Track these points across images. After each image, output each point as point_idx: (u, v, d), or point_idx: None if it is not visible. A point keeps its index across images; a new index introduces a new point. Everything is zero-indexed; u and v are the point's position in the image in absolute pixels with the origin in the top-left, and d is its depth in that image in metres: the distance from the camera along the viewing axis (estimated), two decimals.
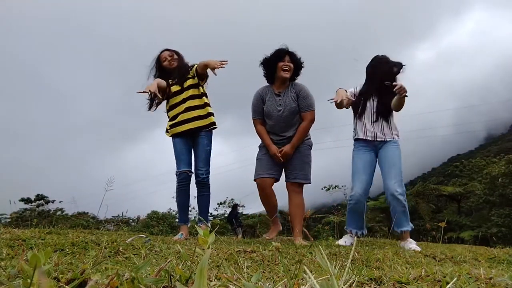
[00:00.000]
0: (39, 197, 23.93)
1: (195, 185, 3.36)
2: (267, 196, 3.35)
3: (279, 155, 3.23)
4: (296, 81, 3.36)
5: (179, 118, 3.32)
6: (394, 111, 3.25)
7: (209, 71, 3.19)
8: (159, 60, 3.43)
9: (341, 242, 3.10)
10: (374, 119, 3.24)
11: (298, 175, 3.29)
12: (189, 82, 3.37)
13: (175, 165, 3.31)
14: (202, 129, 3.33)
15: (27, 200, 23.22)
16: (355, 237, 3.26)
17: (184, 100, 3.34)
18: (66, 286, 0.69)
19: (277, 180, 3.39)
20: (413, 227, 3.12)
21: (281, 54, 3.24)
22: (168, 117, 3.44)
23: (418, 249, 2.83)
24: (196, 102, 3.35)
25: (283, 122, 3.28)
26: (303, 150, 3.32)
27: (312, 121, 3.29)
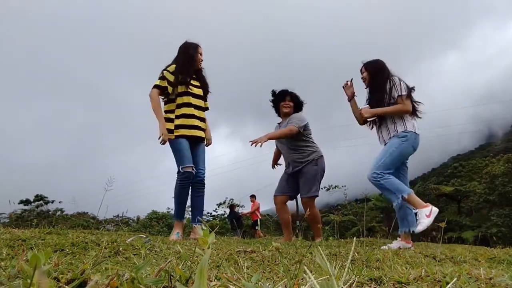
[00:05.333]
0: (38, 197, 23.91)
1: (193, 185, 3.35)
2: (277, 211, 4.06)
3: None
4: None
5: (192, 122, 3.33)
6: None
7: None
8: (194, 52, 3.42)
9: (384, 247, 3.02)
10: (378, 124, 3.32)
11: (303, 190, 3.91)
12: (200, 93, 3.45)
13: (179, 161, 3.24)
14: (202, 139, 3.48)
15: (26, 202, 23.19)
16: (402, 239, 3.18)
17: (196, 107, 3.39)
18: (66, 286, 0.69)
19: (291, 198, 4.07)
20: (404, 196, 2.97)
21: (283, 95, 4.05)
22: (172, 113, 3.34)
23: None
24: (204, 114, 3.48)
25: (286, 144, 3.97)
26: (306, 169, 3.90)
27: (290, 129, 3.81)
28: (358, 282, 0.88)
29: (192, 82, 3.40)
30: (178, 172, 3.25)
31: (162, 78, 3.32)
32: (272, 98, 4.16)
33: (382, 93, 3.19)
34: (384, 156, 3.09)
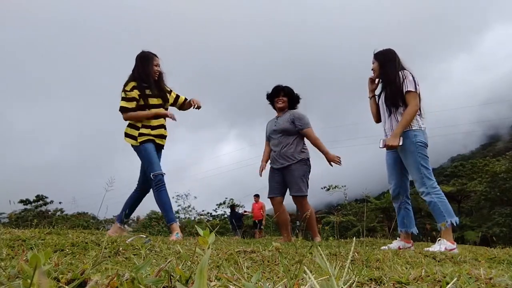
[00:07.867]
0: (38, 198, 23.97)
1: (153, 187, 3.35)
2: (276, 212, 4.01)
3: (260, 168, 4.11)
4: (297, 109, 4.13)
5: (158, 132, 3.40)
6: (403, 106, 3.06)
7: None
8: (149, 65, 3.40)
9: (384, 247, 3.01)
10: (387, 116, 3.14)
11: (292, 189, 3.91)
12: (160, 102, 3.47)
13: (149, 168, 3.29)
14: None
15: (26, 201, 23.25)
16: (402, 238, 3.20)
17: (156, 117, 3.41)
18: (66, 287, 0.69)
19: (283, 195, 4.04)
20: (452, 221, 2.90)
21: (276, 91, 4.10)
22: (138, 123, 3.39)
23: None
24: (164, 121, 3.50)
25: (278, 139, 3.98)
26: (295, 167, 3.90)
27: (313, 136, 3.94)
28: (358, 282, 0.88)
29: (150, 92, 3.40)
30: (150, 179, 3.28)
31: (131, 100, 3.33)
32: (267, 96, 4.21)
33: (395, 92, 3.03)
34: (417, 168, 2.94)
